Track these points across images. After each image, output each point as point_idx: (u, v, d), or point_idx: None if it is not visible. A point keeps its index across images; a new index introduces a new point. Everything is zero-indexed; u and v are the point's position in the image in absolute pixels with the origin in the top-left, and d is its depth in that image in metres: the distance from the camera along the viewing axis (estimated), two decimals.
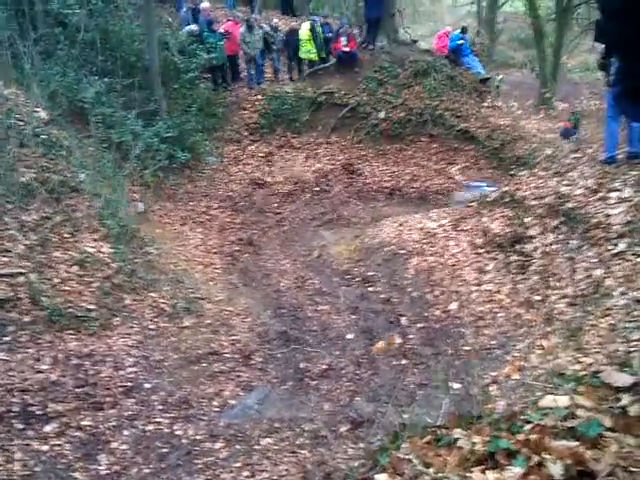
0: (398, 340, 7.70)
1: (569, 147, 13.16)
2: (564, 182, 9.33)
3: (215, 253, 12.44)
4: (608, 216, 7.92)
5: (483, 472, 2.23)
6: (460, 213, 11.04)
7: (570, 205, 8.70)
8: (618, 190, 8.24)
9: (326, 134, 16.92)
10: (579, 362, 5.17)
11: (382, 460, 2.71)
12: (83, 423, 6.65)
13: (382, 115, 16.81)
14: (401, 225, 12.11)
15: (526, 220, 9.29)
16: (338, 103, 17.14)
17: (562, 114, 20.81)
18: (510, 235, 9.41)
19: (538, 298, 8.10)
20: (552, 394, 2.66)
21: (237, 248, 12.79)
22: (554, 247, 8.52)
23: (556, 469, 2.08)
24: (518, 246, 9.15)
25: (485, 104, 17.48)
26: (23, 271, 8.22)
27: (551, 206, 9.05)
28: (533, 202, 9.46)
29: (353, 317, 9.67)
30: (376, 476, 2.56)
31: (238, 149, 16.02)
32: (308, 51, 17.54)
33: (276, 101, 16.73)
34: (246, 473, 5.91)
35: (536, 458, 2.18)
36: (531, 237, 9.04)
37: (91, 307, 8.31)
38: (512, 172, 11.76)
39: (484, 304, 8.66)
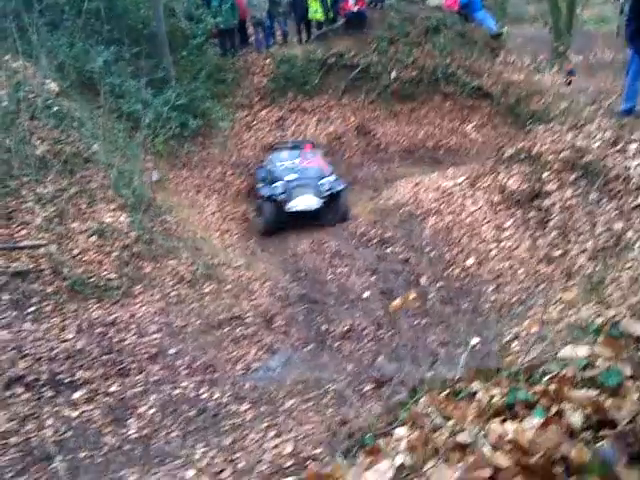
0: (413, 295, 7.71)
1: (584, 100, 12.97)
2: (581, 135, 9.21)
3: (232, 219, 12.48)
4: (627, 168, 7.83)
5: (502, 423, 2.25)
6: (476, 171, 10.96)
7: (588, 158, 8.60)
8: (637, 142, 8.13)
9: (337, 96, 16.75)
10: (600, 315, 5.16)
11: (401, 414, 2.74)
12: (111, 389, 6.77)
13: (393, 75, 16.58)
14: (417, 185, 12.05)
15: (543, 175, 9.21)
16: (348, 64, 16.91)
17: (577, 67, 20.49)
18: (528, 191, 9.34)
19: (558, 253, 8.06)
20: (572, 345, 2.66)
21: (253, 213, 12.80)
22: (573, 201, 8.45)
23: (576, 418, 2.08)
24: (536, 202, 9.08)
25: (498, 60, 17.21)
26: (43, 243, 8.29)
27: (568, 160, 8.96)
28: (550, 157, 9.36)
29: (372, 278, 9.70)
30: (396, 430, 2.58)
31: (249, 115, 15.93)
32: (315, 12, 17.26)
33: (285, 65, 16.54)
34: (272, 433, 5.99)
35: (555, 408, 2.19)
36: (549, 192, 8.96)
37: (112, 276, 8.38)
38: (528, 128, 11.62)
39: (503, 261, 8.64)
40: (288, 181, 12.18)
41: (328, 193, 12.09)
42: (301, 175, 12.39)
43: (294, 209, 11.88)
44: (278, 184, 12.05)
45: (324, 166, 13.07)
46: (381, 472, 2.18)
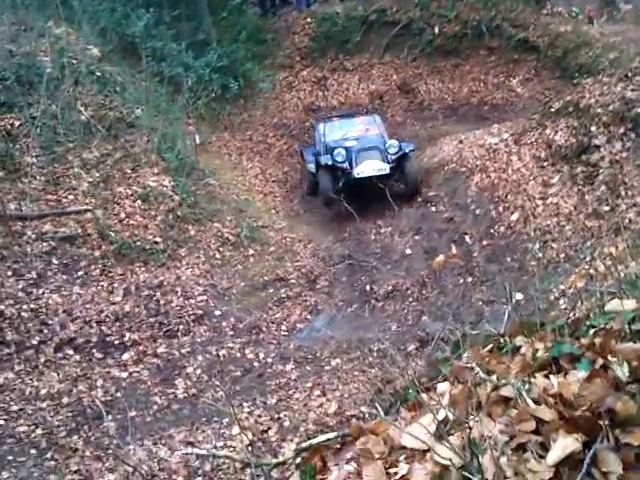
0: (455, 252, 7.61)
1: (634, 50, 12.51)
2: (630, 87, 8.90)
3: (274, 181, 12.47)
4: None
5: (546, 377, 2.20)
6: (522, 126, 10.69)
7: (638, 110, 8.32)
8: None
9: (379, 54, 16.48)
10: None
11: (444, 369, 2.71)
12: (159, 350, 6.89)
13: (436, 30, 16.21)
14: (461, 142, 11.83)
15: (592, 129, 8.94)
16: (390, 21, 16.58)
17: (626, 16, 19.73)
18: (575, 146, 9.08)
19: (606, 208, 7.86)
20: (619, 299, 2.59)
21: (296, 175, 12.77)
22: (622, 155, 8.20)
23: (621, 371, 2.03)
24: (584, 156, 8.83)
25: (544, 11, 16.68)
26: (89, 208, 8.41)
27: (617, 113, 8.67)
28: (598, 110, 9.07)
29: (416, 238, 9.61)
30: (439, 385, 2.56)
31: (290, 75, 15.79)
32: None
33: (326, 23, 16.31)
34: (317, 393, 6.04)
35: (601, 361, 2.14)
36: (597, 146, 8.71)
37: (157, 239, 8.47)
38: (575, 80, 11.27)
39: (550, 218, 8.46)
40: (349, 147, 11.27)
41: (396, 156, 11.06)
42: (360, 140, 11.58)
43: (362, 175, 10.76)
44: (339, 150, 11.06)
45: (384, 132, 12.19)
46: (424, 426, 2.17)
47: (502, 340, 2.66)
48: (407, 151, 11.19)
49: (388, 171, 10.82)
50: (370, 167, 10.85)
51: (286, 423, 5.47)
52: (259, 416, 5.61)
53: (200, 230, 9.12)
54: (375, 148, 11.23)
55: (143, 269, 8.03)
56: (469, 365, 2.48)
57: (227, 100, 13.54)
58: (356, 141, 11.54)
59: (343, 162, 10.98)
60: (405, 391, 2.70)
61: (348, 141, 11.60)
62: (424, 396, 2.47)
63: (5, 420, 5.60)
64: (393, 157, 11.05)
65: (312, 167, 11.79)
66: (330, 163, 10.99)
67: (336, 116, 13.13)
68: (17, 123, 9.15)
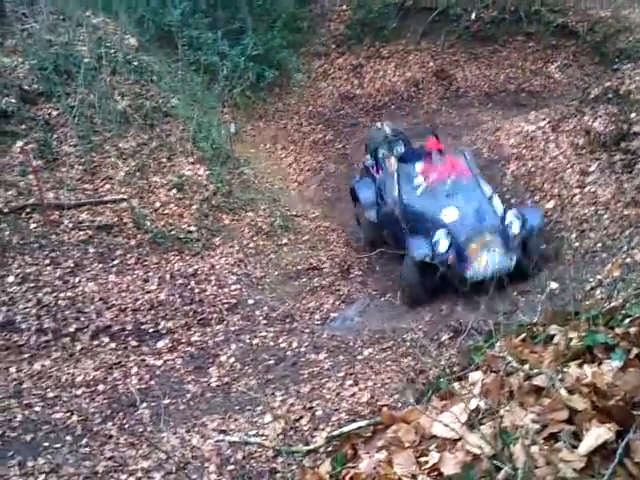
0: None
1: None
2: None
3: (309, 171, 12.44)
4: None
5: (580, 366, 2.17)
6: (560, 113, 10.51)
7: None
8: None
9: (415, 41, 16.28)
10: None
11: (476, 359, 2.69)
12: (193, 339, 6.95)
13: (473, 16, 15.95)
14: (497, 130, 11.68)
15: (631, 116, 8.74)
16: (426, 7, 16.34)
17: None
18: (614, 133, 8.89)
19: None
20: None
21: (330, 164, 12.74)
22: None
23: None
24: (623, 144, 8.65)
25: None
26: (125, 197, 8.50)
27: None
28: (638, 96, 8.88)
29: None
30: (470, 374, 2.53)
31: (326, 63, 15.69)
32: None
33: (362, 9, 16.15)
34: (349, 382, 6.03)
35: (636, 351, 2.10)
36: (637, 134, 8.51)
37: (192, 228, 8.53)
38: (615, 66, 11.03)
39: (588, 206, 8.31)
40: (451, 224, 7.76)
41: (521, 238, 7.59)
42: (464, 208, 7.92)
43: (478, 277, 7.26)
44: (441, 235, 7.60)
45: (483, 182, 8.63)
46: (455, 415, 2.15)
47: (535, 329, 2.62)
48: (534, 227, 7.69)
49: (512, 265, 7.39)
50: (489, 262, 7.37)
51: (318, 412, 5.46)
52: (292, 405, 5.62)
53: (234, 219, 9.15)
54: (491, 228, 7.64)
55: (178, 258, 8.09)
56: (502, 354, 2.45)
57: (262, 89, 13.53)
58: (457, 209, 7.90)
59: (446, 254, 7.53)
60: (437, 380, 2.68)
61: (445, 207, 7.98)
62: (456, 385, 2.45)
63: (41, 407, 5.71)
64: (517, 240, 7.55)
65: (373, 216, 8.91)
66: (428, 258, 7.56)
67: (389, 138, 9.78)
68: (55, 113, 9.30)
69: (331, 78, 15.27)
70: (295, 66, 14.16)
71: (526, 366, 2.30)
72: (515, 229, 7.56)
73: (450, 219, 7.79)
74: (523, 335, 2.63)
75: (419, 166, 8.66)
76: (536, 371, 2.22)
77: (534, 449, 1.83)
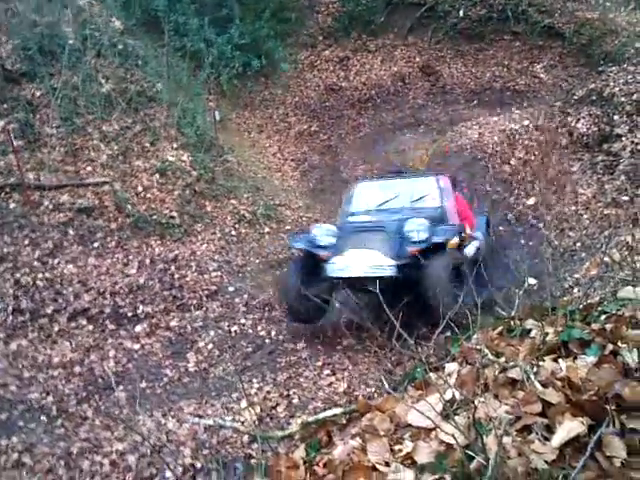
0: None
1: None
2: None
3: (292, 160, 12.45)
4: None
5: (555, 361, 2.20)
6: (544, 113, 10.59)
7: None
8: None
9: (403, 36, 16.31)
10: None
11: (453, 350, 2.72)
12: (172, 324, 6.94)
13: (461, 13, 15.99)
14: (481, 127, 11.74)
15: (614, 118, 8.84)
16: (415, 2, 16.36)
17: None
18: (597, 134, 9.00)
19: (625, 198, 7.79)
20: (632, 286, 2.58)
21: (315, 155, 12.74)
22: None
23: (631, 357, 2.03)
24: (605, 145, 8.76)
25: None
26: (107, 180, 8.44)
27: None
28: (622, 99, 8.98)
29: None
30: (447, 365, 2.56)
31: (312, 54, 15.68)
32: None
33: (350, 2, 16.13)
34: (327, 371, 6.06)
35: (611, 347, 2.14)
36: (620, 135, 8.62)
37: (174, 214, 8.50)
38: (600, 69, 11.12)
39: (568, 206, 8.41)
40: (354, 224, 7.33)
41: (418, 249, 6.45)
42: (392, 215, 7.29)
43: (341, 273, 6.62)
44: (323, 227, 7.23)
45: (451, 208, 7.61)
46: (430, 405, 2.17)
47: (512, 323, 2.65)
48: (442, 242, 6.59)
49: (390, 272, 6.41)
50: (361, 260, 6.55)
51: (295, 400, 5.50)
52: (268, 392, 5.64)
53: (217, 206, 9.13)
54: (382, 229, 6.89)
55: (159, 243, 8.07)
56: (478, 346, 2.48)
57: (248, 78, 13.49)
58: (384, 215, 7.39)
59: (324, 248, 6.93)
60: (413, 370, 2.71)
61: (372, 214, 7.55)
62: (432, 375, 2.47)
63: (17, 387, 5.68)
64: (412, 249, 6.54)
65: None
66: (304, 247, 7.06)
67: (390, 173, 9.00)
68: (38, 93, 9.20)
69: (317, 70, 15.26)
70: (282, 56, 14.12)
71: (502, 359, 2.33)
72: (413, 235, 6.63)
73: (360, 219, 7.41)
74: (500, 328, 2.67)
75: (380, 184, 8.36)
76: (511, 364, 2.25)
77: (507, 440, 1.86)
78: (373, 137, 13.21)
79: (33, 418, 5.31)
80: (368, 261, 6.52)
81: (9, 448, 4.92)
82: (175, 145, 9.57)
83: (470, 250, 7.25)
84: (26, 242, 7.29)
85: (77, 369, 5.97)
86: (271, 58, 13.91)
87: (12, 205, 7.75)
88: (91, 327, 6.60)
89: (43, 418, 5.31)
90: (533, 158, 9.60)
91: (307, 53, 15.52)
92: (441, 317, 4.50)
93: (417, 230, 6.63)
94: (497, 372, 2.26)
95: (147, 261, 7.67)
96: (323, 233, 7.05)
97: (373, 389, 5.32)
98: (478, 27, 15.96)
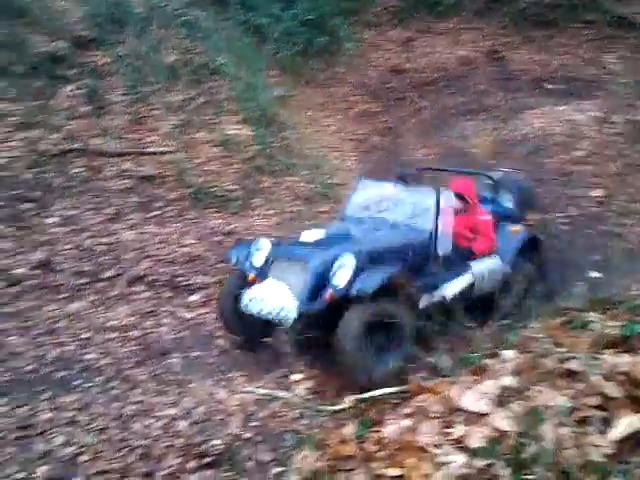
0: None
1: None
2: None
3: (352, 140, 12.38)
4: None
5: (616, 355, 2.16)
6: (613, 105, 10.31)
7: None
8: None
9: (470, 19, 16.00)
10: None
11: (511, 337, 2.69)
12: None
13: None
14: (546, 117, 11.49)
15: None
16: None
17: None
18: None
19: None
20: None
21: (374, 137, 12.66)
22: None
23: None
24: None
25: None
26: (170, 150, 8.57)
27: None
28: None
29: None
30: (503, 352, 2.54)
31: (377, 34, 15.50)
32: None
33: None
34: None
35: None
36: None
37: (232, 187, 8.58)
38: None
39: (633, 201, 8.19)
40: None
41: (339, 295, 5.22)
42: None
43: (247, 308, 5.55)
44: (261, 244, 5.93)
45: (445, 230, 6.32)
46: (484, 391, 2.16)
47: (573, 315, 2.62)
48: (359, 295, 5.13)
49: (290, 320, 5.28)
50: (268, 297, 5.42)
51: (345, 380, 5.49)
52: (321, 367, 5.62)
53: (274, 182, 9.16)
54: (303, 259, 5.59)
55: (216, 215, 8.15)
56: (537, 336, 2.46)
57: (311, 55, 13.43)
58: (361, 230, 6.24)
59: (251, 269, 5.77)
60: (469, 355, 2.69)
61: (350, 224, 6.49)
62: (488, 362, 2.46)
63: (75, 347, 5.83)
64: (328, 294, 5.25)
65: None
66: (234, 261, 6.01)
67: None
68: (105, 60, 9.37)
69: (381, 50, 15.10)
70: (346, 35, 14.00)
71: (561, 349, 2.31)
72: (339, 280, 5.26)
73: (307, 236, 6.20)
74: (561, 319, 2.63)
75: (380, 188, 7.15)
76: (571, 355, 2.22)
77: (564, 430, 1.84)
78: (434, 121, 13.03)
79: (89, 378, 5.44)
80: (273, 300, 5.37)
81: (65, 406, 5.08)
82: (236, 119, 9.65)
83: (451, 290, 6.08)
84: (88, 207, 7.47)
85: (133, 333, 6.09)
86: (335, 36, 13.82)
87: (76, 170, 7.94)
88: (147, 294, 6.72)
89: (98, 379, 5.44)
90: (599, 150, 9.37)
91: (371, 33, 15.37)
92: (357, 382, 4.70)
93: (345, 270, 5.27)
94: (556, 362, 2.23)
95: (204, 233, 7.77)
96: (260, 248, 5.87)
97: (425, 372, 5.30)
98: (548, 13, 15.56)
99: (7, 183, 7.46)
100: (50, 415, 4.98)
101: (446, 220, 6.32)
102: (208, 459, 4.47)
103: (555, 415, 1.88)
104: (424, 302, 5.78)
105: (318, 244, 5.90)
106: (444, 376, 2.47)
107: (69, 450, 4.63)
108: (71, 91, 8.75)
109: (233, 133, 9.30)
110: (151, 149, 8.58)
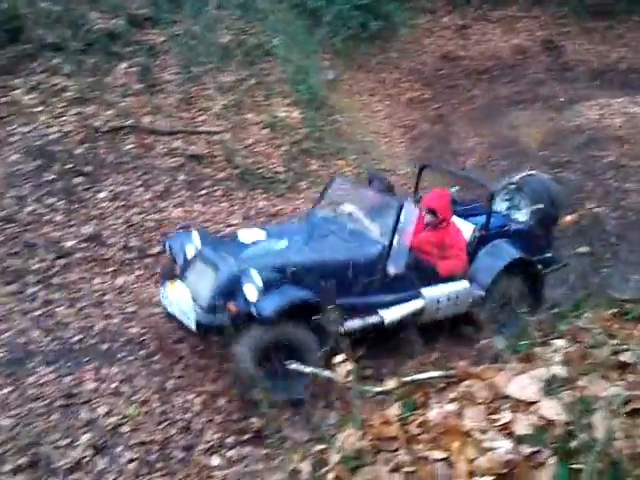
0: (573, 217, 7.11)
1: None
2: None
3: (401, 127, 12.29)
4: None
5: None
6: None
7: None
8: None
9: (526, 7, 15.72)
10: None
11: (561, 327, 2.64)
12: None
13: None
14: (602, 109, 11.24)
15: None
16: None
17: None
18: None
19: None
20: None
21: (424, 123, 12.54)
22: None
23: None
24: None
25: None
26: (219, 130, 8.61)
27: None
28: None
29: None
30: (553, 341, 2.49)
31: (432, 20, 15.32)
32: None
33: None
34: None
35: None
36: None
37: (279, 169, 8.59)
38: None
39: None
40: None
41: (236, 310, 5.00)
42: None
43: (169, 307, 5.40)
44: (192, 236, 5.71)
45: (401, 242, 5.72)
46: (532, 379, 2.12)
47: (628, 306, 2.55)
48: (257, 313, 4.88)
49: (192, 325, 5.09)
50: (175, 301, 5.30)
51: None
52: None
53: (322, 165, 9.14)
54: (216, 264, 5.27)
55: (263, 196, 8.17)
56: (589, 326, 2.40)
57: (364, 39, 13.33)
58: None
59: (179, 262, 5.63)
60: (517, 342, 2.64)
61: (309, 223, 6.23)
62: (537, 350, 2.41)
63: (120, 320, 5.94)
64: (230, 305, 4.99)
65: None
66: (168, 251, 5.84)
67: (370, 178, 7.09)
68: (160, 39, 9.44)
69: (435, 36, 14.94)
70: (401, 20, 13.87)
71: (614, 341, 2.25)
72: (244, 295, 4.94)
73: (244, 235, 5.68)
74: (613, 310, 2.57)
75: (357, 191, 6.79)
76: (624, 347, 2.16)
77: (615, 421, 1.80)
78: (486, 110, 12.85)
79: (133, 351, 5.54)
80: (180, 304, 5.20)
81: (109, 377, 5.18)
82: (287, 101, 9.65)
83: (392, 315, 5.53)
84: (138, 183, 7.56)
85: None
86: (390, 21, 13.70)
87: (128, 147, 8.03)
88: None
89: (142, 352, 5.53)
90: None
91: (426, 18, 15.20)
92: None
93: (254, 282, 4.93)
94: (608, 353, 2.18)
95: (250, 213, 7.80)
96: (191, 241, 5.58)
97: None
98: (607, 4, 15.21)
99: (60, 157, 7.58)
100: (94, 385, 5.09)
101: (404, 236, 5.70)
102: (247, 436, 4.52)
103: (606, 406, 1.83)
104: (353, 325, 5.28)
105: (241, 249, 5.42)
106: (493, 362, 2.42)
107: (112, 420, 4.74)
108: (125, 69, 8.84)
109: (283, 115, 9.30)
110: (201, 128, 8.63)
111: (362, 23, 12.89)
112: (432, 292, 5.76)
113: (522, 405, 2.13)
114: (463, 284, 5.94)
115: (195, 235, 5.61)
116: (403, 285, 5.65)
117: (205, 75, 9.25)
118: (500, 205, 6.96)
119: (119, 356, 5.49)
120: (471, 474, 1.85)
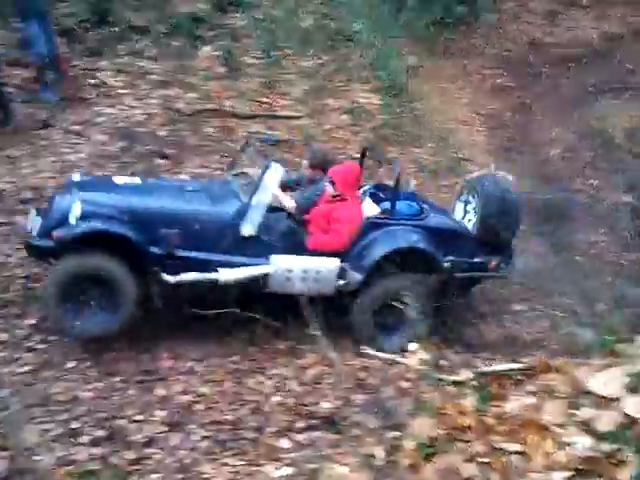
0: None
1: None
2: None
3: (483, 115, 12.04)
4: None
5: None
6: None
7: None
8: None
9: None
10: None
11: None
12: None
13: None
14: None
15: None
16: None
17: None
18: None
19: None
20: None
21: (507, 112, 12.25)
22: None
23: None
24: None
25: None
26: (299, 115, 8.65)
27: None
28: None
29: (627, 197, 8.94)
30: (638, 337, 2.40)
31: (518, 5, 14.90)
32: None
33: None
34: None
35: None
36: None
37: (357, 156, 8.53)
38: None
39: None
40: None
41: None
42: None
43: None
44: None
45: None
46: (615, 375, 2.05)
47: None
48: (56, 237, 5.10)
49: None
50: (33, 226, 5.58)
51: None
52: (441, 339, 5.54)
53: (400, 152, 9.06)
54: (64, 195, 5.65)
55: None
56: None
57: (447, 25, 13.08)
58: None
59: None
60: (601, 338, 2.56)
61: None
62: (621, 346, 2.33)
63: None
64: (54, 235, 5.18)
65: None
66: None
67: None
68: (241, 23, 9.55)
69: (521, 21, 14.52)
70: (486, 5, 13.57)
71: None
72: (70, 221, 5.21)
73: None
74: None
75: None
76: None
77: None
78: (573, 99, 12.40)
79: (208, 333, 5.60)
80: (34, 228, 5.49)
81: (184, 356, 5.28)
82: (366, 87, 9.63)
83: (229, 275, 5.37)
84: (218, 166, 7.64)
85: None
86: (474, 6, 13.42)
87: (209, 130, 8.15)
88: None
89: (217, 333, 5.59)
90: None
91: (512, 4, 14.78)
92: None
93: (69, 215, 5.22)
94: None
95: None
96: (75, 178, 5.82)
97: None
98: None
99: (144, 139, 7.76)
100: (170, 363, 5.19)
101: (265, 198, 5.53)
102: (316, 420, 4.53)
103: None
104: (186, 278, 5.27)
105: (99, 188, 5.67)
106: (575, 355, 2.36)
107: (186, 398, 4.82)
108: (208, 52, 8.98)
109: (362, 101, 9.28)
110: (281, 113, 8.69)
111: (446, 8, 12.68)
112: (284, 261, 5.45)
113: (604, 401, 2.06)
114: (331, 261, 5.52)
115: (76, 176, 5.87)
116: (257, 249, 5.49)
117: (285, 60, 9.31)
118: (457, 204, 6.56)
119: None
120: (547, 468, 1.80)
